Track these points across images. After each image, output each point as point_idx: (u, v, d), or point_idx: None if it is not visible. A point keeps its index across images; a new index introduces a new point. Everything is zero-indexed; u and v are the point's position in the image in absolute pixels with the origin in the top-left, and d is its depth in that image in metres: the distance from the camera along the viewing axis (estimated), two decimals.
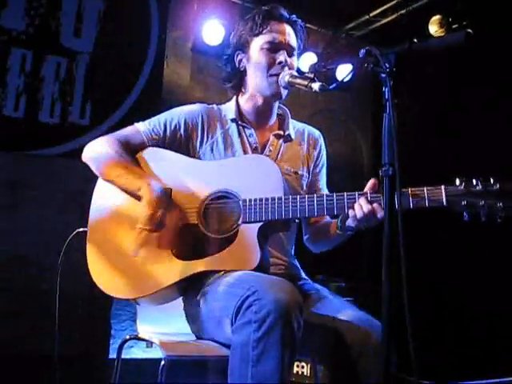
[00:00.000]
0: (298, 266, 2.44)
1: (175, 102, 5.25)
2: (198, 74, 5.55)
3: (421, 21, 5.26)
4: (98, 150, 2.33)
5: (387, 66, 1.63)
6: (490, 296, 4.60)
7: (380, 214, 2.01)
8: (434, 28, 5.19)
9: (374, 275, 1.93)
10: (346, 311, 2.10)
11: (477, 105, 4.98)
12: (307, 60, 5.57)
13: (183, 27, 5.41)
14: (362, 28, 6.00)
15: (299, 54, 2.49)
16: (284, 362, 1.77)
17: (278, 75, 2.31)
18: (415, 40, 1.60)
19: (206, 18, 5.23)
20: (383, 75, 1.65)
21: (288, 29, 2.37)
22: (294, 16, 2.42)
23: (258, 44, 2.35)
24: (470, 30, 1.52)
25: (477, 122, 4.92)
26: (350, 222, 2.11)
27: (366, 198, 2.04)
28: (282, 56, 2.31)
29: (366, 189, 2.08)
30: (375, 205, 2.02)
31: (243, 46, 2.41)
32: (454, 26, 5.01)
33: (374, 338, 1.96)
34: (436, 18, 5.18)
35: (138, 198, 2.21)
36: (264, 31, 2.34)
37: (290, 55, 2.36)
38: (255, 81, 2.38)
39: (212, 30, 5.20)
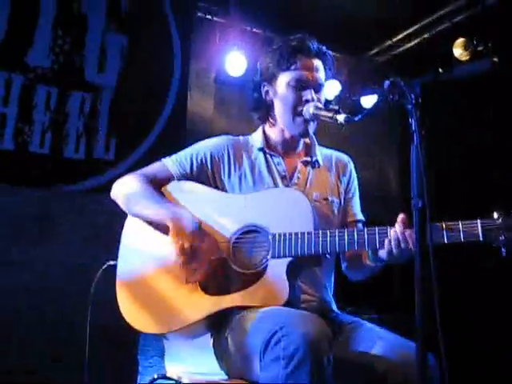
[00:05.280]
0: (331, 299, 2.42)
1: (199, 133, 5.33)
2: (221, 105, 5.62)
3: (445, 44, 5.26)
4: (125, 186, 2.38)
5: (413, 96, 1.64)
6: None
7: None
8: (458, 51, 5.18)
9: (406, 306, 1.90)
10: (383, 344, 2.05)
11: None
12: (331, 88, 5.62)
13: (206, 59, 5.49)
14: (385, 53, 6.03)
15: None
16: None
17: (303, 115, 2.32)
18: (440, 69, 1.60)
19: (228, 49, 5.31)
20: (409, 106, 1.66)
21: (316, 63, 2.36)
22: (323, 48, 2.40)
23: (284, 80, 2.36)
24: (495, 59, 1.52)
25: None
26: (382, 255, 2.09)
27: (401, 232, 2.00)
28: (309, 94, 2.32)
29: (397, 224, 2.05)
30: (409, 238, 1.98)
31: (270, 79, 2.41)
32: (479, 49, 5.00)
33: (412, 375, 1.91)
34: (460, 40, 5.17)
35: (165, 229, 2.21)
36: (292, 67, 2.34)
37: (318, 91, 2.36)
38: (282, 117, 2.41)
39: (234, 61, 5.27)
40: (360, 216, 2.50)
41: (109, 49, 5.00)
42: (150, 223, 2.32)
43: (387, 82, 1.71)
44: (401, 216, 2.04)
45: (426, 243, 1.57)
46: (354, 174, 2.55)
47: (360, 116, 1.98)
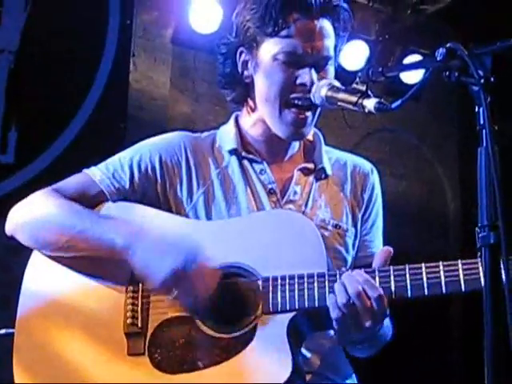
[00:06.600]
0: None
1: (148, 124, 5.32)
2: (182, 78, 5.65)
3: None
4: (35, 208, 2.35)
5: (481, 73, 1.61)
6: None
7: (376, 304, 1.98)
8: None
9: None
10: None
11: None
12: (354, 52, 5.61)
13: (159, 6, 5.50)
14: (439, 0, 6.08)
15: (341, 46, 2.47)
16: None
17: (297, 106, 2.31)
18: None
19: None
20: (476, 88, 1.62)
21: (321, 25, 2.32)
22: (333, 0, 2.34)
23: (271, 50, 2.33)
24: None
25: None
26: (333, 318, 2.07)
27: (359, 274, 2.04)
28: (306, 76, 2.30)
29: (375, 262, 2.10)
30: (368, 283, 2.01)
31: (249, 44, 2.39)
32: None
33: None
34: None
35: (109, 266, 2.23)
36: (282, 32, 2.30)
37: (322, 68, 2.33)
38: (264, 106, 2.40)
39: (203, 11, 5.28)
40: None
41: None
42: (78, 259, 2.29)
43: (441, 51, 1.68)
44: (382, 251, 2.11)
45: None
46: (379, 192, 2.58)
47: (400, 101, 1.91)
